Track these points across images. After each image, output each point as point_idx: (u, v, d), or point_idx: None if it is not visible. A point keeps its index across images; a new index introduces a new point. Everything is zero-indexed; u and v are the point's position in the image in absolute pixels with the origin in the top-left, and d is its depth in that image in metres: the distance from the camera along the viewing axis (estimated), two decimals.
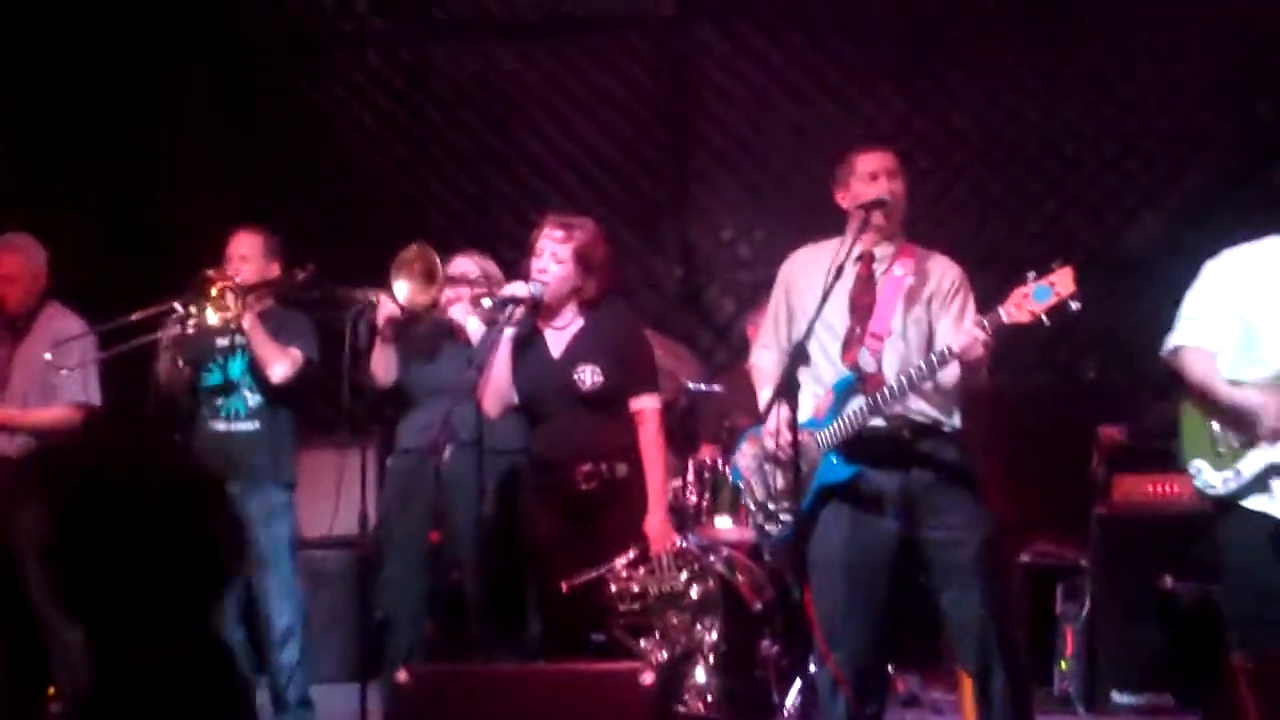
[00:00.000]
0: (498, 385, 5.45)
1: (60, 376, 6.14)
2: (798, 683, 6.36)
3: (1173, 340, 4.90)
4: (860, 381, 4.81)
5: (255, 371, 6.08)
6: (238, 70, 8.76)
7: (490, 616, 5.88)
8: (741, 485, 5.27)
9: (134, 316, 5.97)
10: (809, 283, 4.95)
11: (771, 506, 5.08)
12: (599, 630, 5.73)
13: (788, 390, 4.58)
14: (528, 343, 5.52)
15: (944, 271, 4.96)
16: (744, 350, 7.68)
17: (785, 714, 6.31)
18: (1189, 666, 6.21)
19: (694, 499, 6.61)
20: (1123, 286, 7.24)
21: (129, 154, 8.09)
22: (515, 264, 6.01)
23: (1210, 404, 4.80)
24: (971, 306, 4.87)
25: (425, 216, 8.54)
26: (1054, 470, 5.53)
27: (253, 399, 6.13)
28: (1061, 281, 4.46)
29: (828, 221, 5.14)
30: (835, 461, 4.84)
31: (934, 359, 4.67)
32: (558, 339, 5.53)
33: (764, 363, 5.16)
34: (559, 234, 5.46)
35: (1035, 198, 7.98)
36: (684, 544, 6.02)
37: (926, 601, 5.01)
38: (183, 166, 8.58)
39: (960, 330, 4.68)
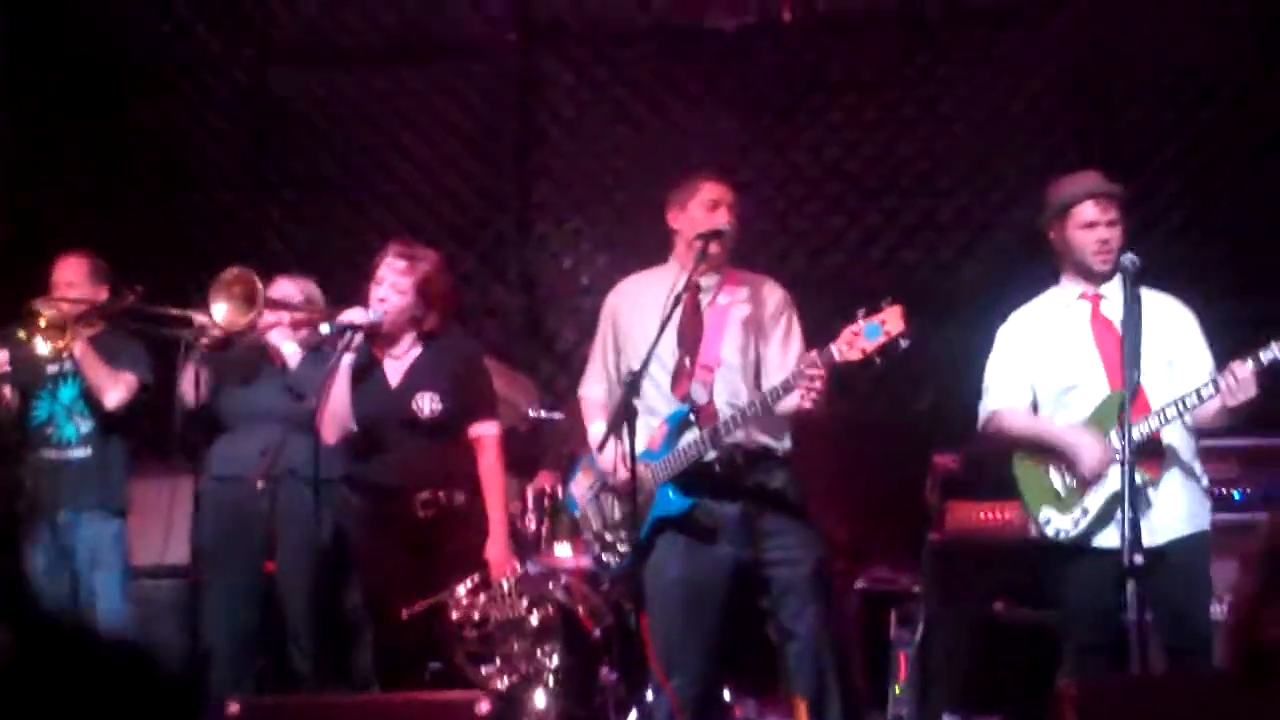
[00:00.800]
0: (336, 412, 5.40)
1: None
2: (634, 711, 6.37)
3: (985, 410, 5.07)
4: (694, 414, 4.88)
5: (87, 398, 5.96)
6: (81, 86, 8.58)
7: (322, 648, 5.81)
8: (578, 515, 5.31)
9: None
10: (636, 313, 5.04)
11: (609, 537, 5.16)
12: (436, 659, 5.67)
13: (623, 422, 4.62)
14: (365, 371, 5.48)
15: (768, 295, 5.05)
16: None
17: None
18: (1018, 691, 6.30)
19: (533, 526, 6.60)
20: (958, 318, 7.35)
21: None
22: (354, 290, 5.97)
23: (1042, 449, 4.90)
24: (797, 328, 5.00)
25: (262, 240, 8.44)
26: (889, 498, 5.62)
27: (84, 425, 6.01)
28: (891, 320, 4.51)
29: (669, 250, 5.18)
30: (671, 495, 4.91)
31: (768, 395, 4.74)
32: (396, 367, 5.50)
33: (593, 394, 5.23)
34: (401, 264, 5.44)
35: (873, 230, 8.08)
36: (524, 570, 6.00)
37: (763, 627, 5.07)
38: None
39: (790, 360, 4.81)
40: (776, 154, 8.19)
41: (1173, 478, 4.80)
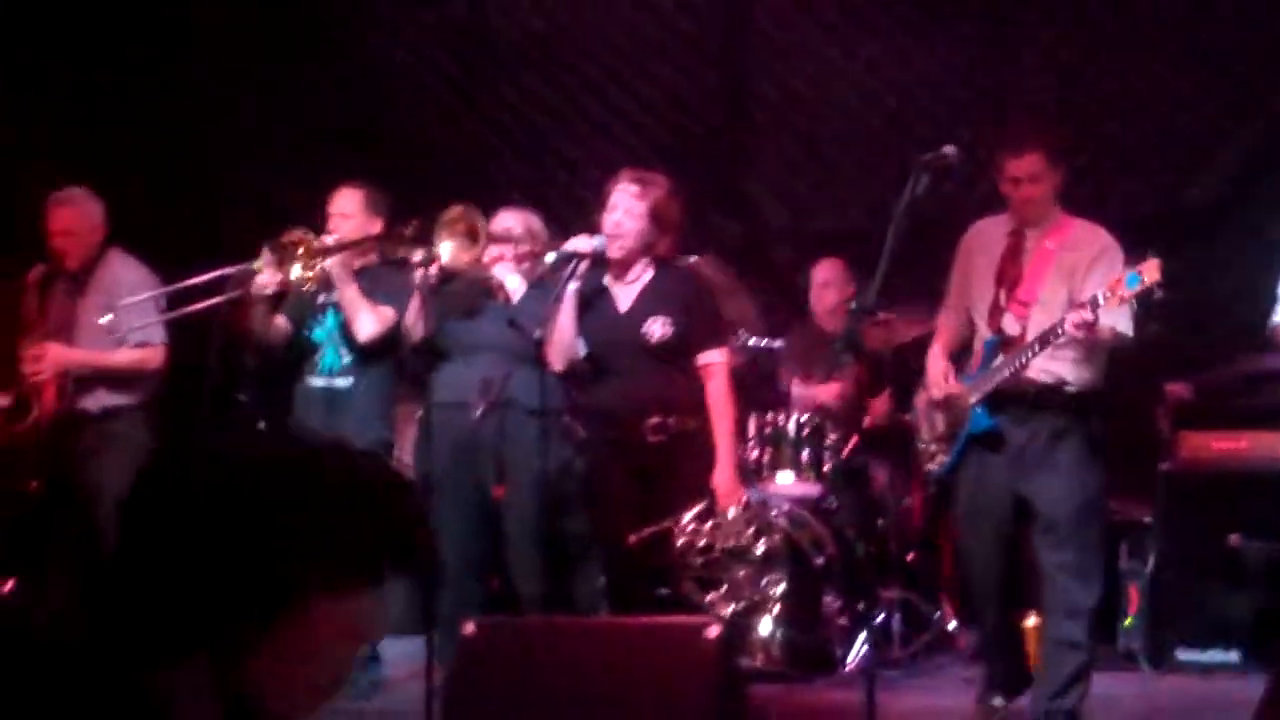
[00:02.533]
0: (563, 340, 5.45)
1: (124, 322, 6.16)
2: (861, 637, 6.36)
3: (1273, 321, 5.41)
4: (1003, 344, 5.19)
5: (346, 329, 6.07)
6: (296, 22, 8.74)
7: (547, 573, 5.89)
8: (916, 421, 5.66)
9: (209, 275, 5.95)
10: (981, 252, 5.35)
11: (933, 448, 5.47)
12: (664, 585, 5.71)
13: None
14: (595, 298, 5.51)
15: (1093, 240, 5.25)
16: (804, 304, 7.67)
17: (847, 668, 6.32)
18: (1255, 623, 6.18)
19: (755, 454, 6.59)
20: (1189, 245, 7.15)
21: (184, 105, 8.09)
22: (573, 220, 6.00)
23: None
24: (1116, 271, 5.05)
25: (481, 171, 8.51)
26: (1120, 428, 5.55)
27: (347, 355, 6.10)
28: (1149, 271, 4.83)
29: (886, 171, 5.19)
30: (980, 414, 5.21)
31: (1048, 334, 5.02)
32: (626, 293, 5.52)
33: (944, 321, 5.51)
34: (634, 189, 5.44)
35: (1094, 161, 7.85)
36: (750, 498, 6.02)
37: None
38: (237, 118, 8.57)
39: (1073, 307, 5.03)
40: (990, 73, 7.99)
41: None
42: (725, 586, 5.90)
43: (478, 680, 4.44)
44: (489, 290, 5.99)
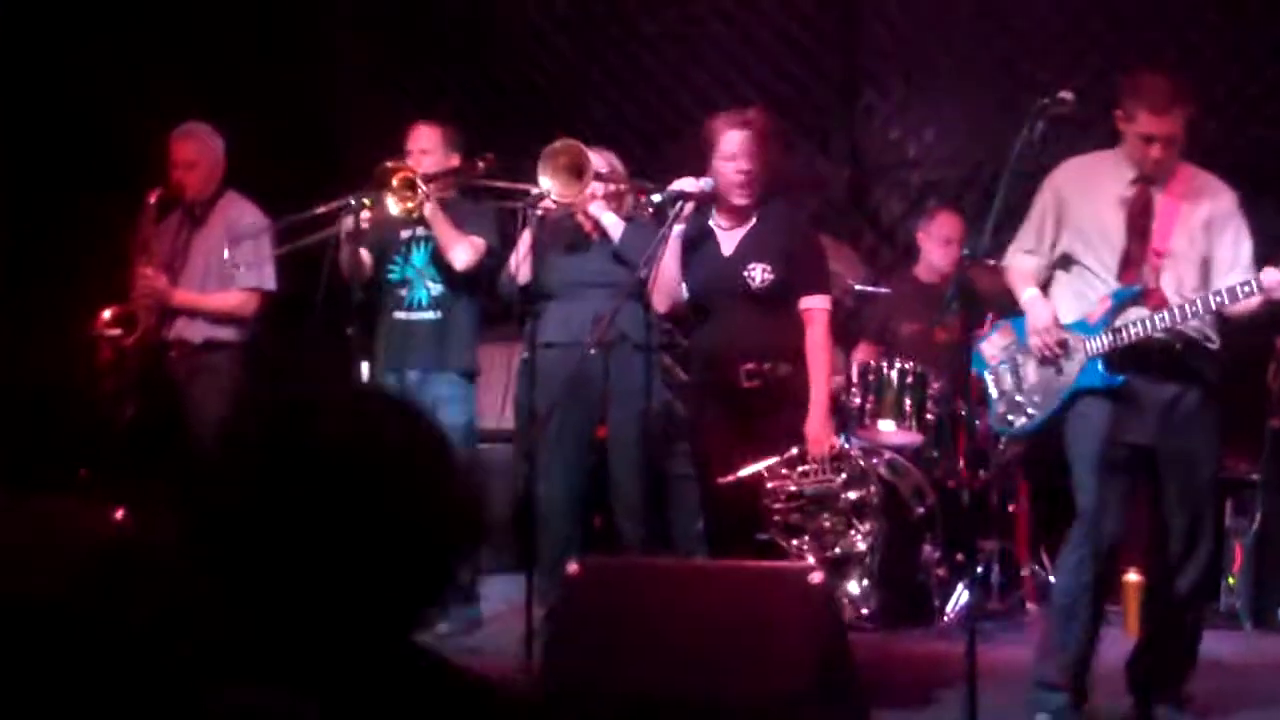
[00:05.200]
0: (666, 282, 5.45)
1: (237, 262, 6.25)
2: (960, 588, 6.34)
3: None
4: (1143, 295, 4.90)
5: (438, 261, 6.11)
6: None
7: (649, 513, 5.91)
8: (987, 374, 5.31)
9: (318, 210, 6.02)
10: (1081, 194, 5.03)
11: (1019, 399, 5.16)
12: (762, 530, 5.71)
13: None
14: (699, 240, 5.50)
15: (1220, 193, 5.00)
16: (909, 252, 7.61)
17: (946, 619, 6.30)
18: None
19: (856, 400, 6.56)
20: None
21: (296, 54, 8.14)
22: (676, 160, 5.97)
23: None
24: (1246, 230, 4.93)
25: (587, 112, 8.51)
26: (1228, 381, 5.43)
27: (435, 289, 6.16)
28: None
29: (1000, 121, 5.09)
30: (1101, 368, 4.92)
31: (1239, 289, 4.73)
32: (729, 237, 5.51)
33: (1023, 265, 5.17)
34: (748, 133, 5.42)
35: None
36: (844, 446, 5.99)
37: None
38: (348, 64, 8.61)
39: (1241, 261, 4.84)
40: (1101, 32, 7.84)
41: None
42: (809, 535, 5.86)
43: (580, 619, 4.46)
44: (581, 228, 5.99)
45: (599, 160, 5.90)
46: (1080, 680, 4.91)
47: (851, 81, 8.38)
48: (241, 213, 6.37)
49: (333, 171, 6.84)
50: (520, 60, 8.75)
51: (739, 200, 5.43)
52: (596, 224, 5.96)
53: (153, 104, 6.58)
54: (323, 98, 8.27)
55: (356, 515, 1.60)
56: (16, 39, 6.76)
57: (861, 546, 6.02)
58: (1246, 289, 4.70)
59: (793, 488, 5.72)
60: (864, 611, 6.05)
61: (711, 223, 5.54)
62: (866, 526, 6.02)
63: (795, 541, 5.87)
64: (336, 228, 5.94)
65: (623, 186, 5.95)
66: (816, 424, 5.44)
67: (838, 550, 5.97)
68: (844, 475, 5.91)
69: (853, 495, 6.00)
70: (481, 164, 6.04)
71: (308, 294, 5.88)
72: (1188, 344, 4.90)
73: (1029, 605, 6.62)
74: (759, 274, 5.38)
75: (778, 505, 5.72)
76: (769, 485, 5.66)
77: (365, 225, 5.92)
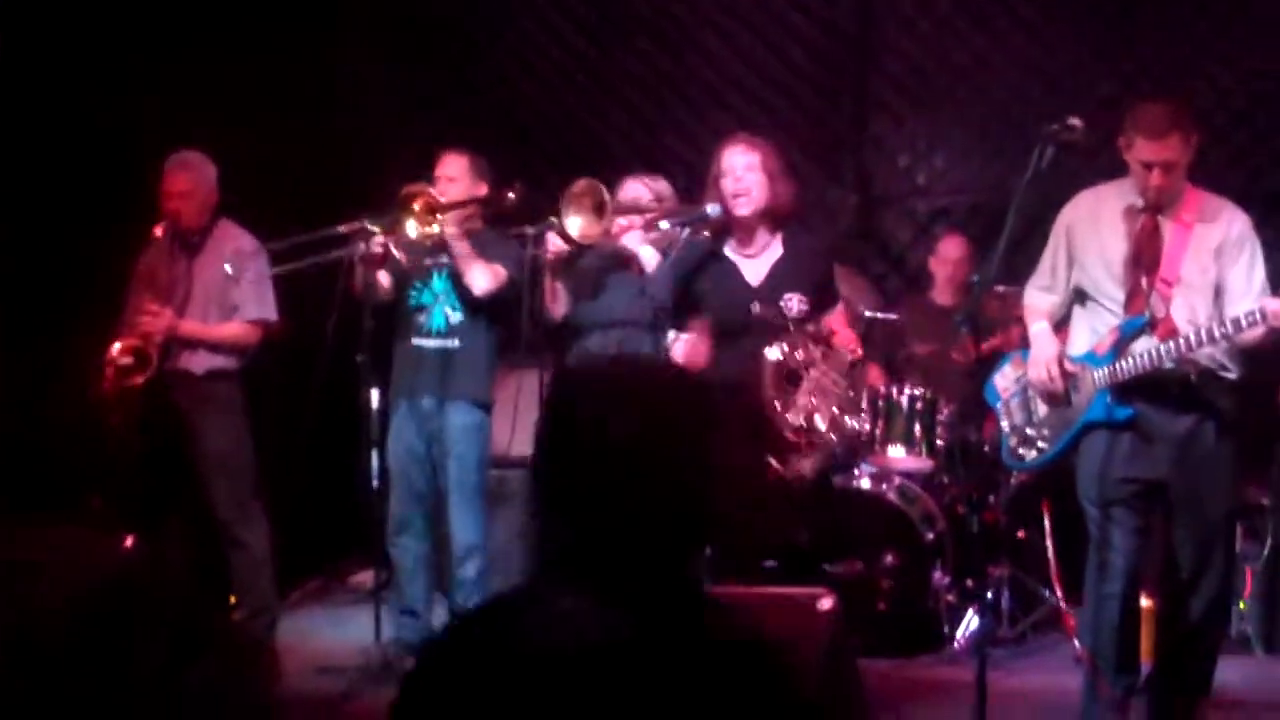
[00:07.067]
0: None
1: (239, 293, 6.26)
2: (970, 615, 6.34)
3: None
4: (1150, 326, 4.87)
5: (459, 289, 6.13)
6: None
7: None
8: (999, 407, 5.33)
9: (339, 229, 6.04)
10: (1090, 227, 5.04)
11: (1030, 432, 5.19)
12: (770, 557, 5.69)
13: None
14: (718, 268, 5.50)
15: (1231, 218, 4.97)
16: (920, 279, 7.63)
17: (956, 645, 6.29)
18: None
19: (866, 427, 6.56)
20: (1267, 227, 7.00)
21: (302, 75, 8.17)
22: (689, 189, 5.98)
23: None
24: (1260, 256, 4.91)
25: (601, 141, 8.55)
26: (1240, 407, 5.42)
27: (454, 316, 6.18)
28: None
29: (1008, 149, 5.08)
30: (1109, 401, 4.91)
31: (1243, 319, 4.70)
32: (753, 266, 5.49)
33: (1037, 301, 5.21)
34: (743, 147, 5.45)
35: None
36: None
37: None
38: (358, 89, 8.64)
39: (1255, 288, 4.80)
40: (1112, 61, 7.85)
41: None
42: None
43: None
44: (623, 262, 5.99)
45: (639, 188, 5.93)
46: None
47: (861, 110, 8.40)
48: (239, 239, 6.36)
49: (334, 195, 6.84)
50: (532, 90, 8.78)
51: (741, 211, 5.43)
52: (635, 258, 5.94)
53: (155, 133, 6.58)
54: (338, 127, 8.29)
55: (653, 475, 2.11)
56: (13, 69, 6.76)
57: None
58: (1251, 318, 4.68)
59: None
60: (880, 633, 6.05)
61: (730, 250, 5.54)
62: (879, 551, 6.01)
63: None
64: (349, 250, 5.97)
65: (657, 212, 5.91)
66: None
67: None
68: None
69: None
70: (511, 195, 6.04)
71: (317, 321, 5.91)
72: (1202, 374, 4.87)
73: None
74: (795, 304, 5.36)
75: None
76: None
77: (397, 252, 5.95)
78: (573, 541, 2.12)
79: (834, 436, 5.26)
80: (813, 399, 5.21)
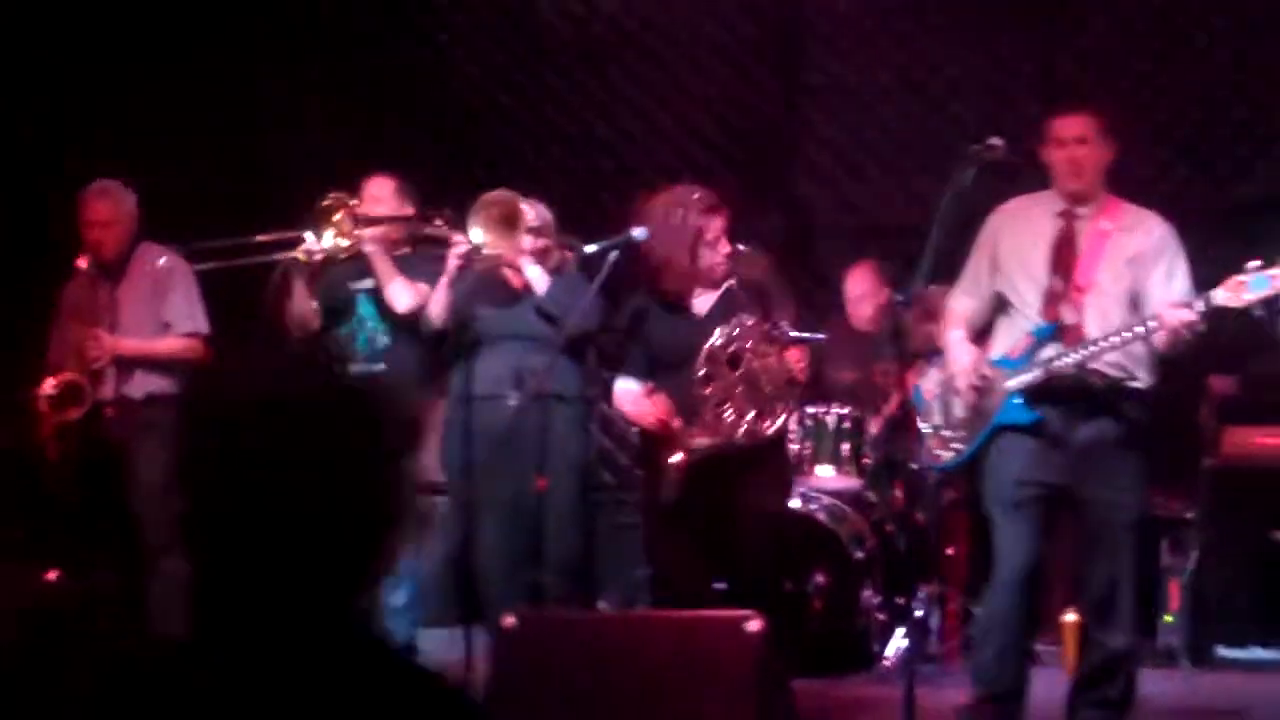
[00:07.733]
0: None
1: (168, 309, 6.23)
2: (899, 633, 6.36)
3: None
4: (1060, 332, 4.89)
5: (385, 314, 6.10)
6: (346, 7, 8.76)
7: (582, 567, 5.87)
8: (921, 408, 5.34)
9: (260, 238, 6.02)
10: (1011, 234, 5.07)
11: (946, 433, 5.19)
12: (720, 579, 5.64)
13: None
14: (646, 315, 5.38)
15: (1151, 228, 5.00)
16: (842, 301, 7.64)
17: (885, 664, 6.31)
18: None
19: (795, 447, 6.57)
20: (1233, 237, 7.10)
21: (225, 98, 8.12)
22: (620, 213, 5.98)
23: None
24: (1183, 265, 4.93)
25: (528, 166, 8.52)
26: (1162, 421, 5.47)
27: (380, 340, 6.16)
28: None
29: (934, 168, 5.12)
30: (1018, 403, 4.92)
31: (1143, 327, 4.74)
32: (698, 302, 5.37)
33: (958, 306, 5.21)
34: (721, 222, 5.32)
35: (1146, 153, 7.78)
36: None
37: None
38: (284, 106, 8.59)
39: (1174, 297, 4.76)
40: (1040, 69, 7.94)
41: None
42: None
43: (518, 673, 4.45)
44: (505, 279, 5.93)
45: (530, 212, 5.89)
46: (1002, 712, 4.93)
47: (787, 127, 8.43)
48: (162, 257, 6.30)
49: (270, 225, 6.81)
50: (461, 112, 8.76)
51: (716, 277, 5.32)
52: (521, 276, 5.89)
53: (76, 164, 6.53)
54: (261, 151, 8.24)
55: (295, 498, 1.77)
56: None
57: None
58: (1148, 326, 4.72)
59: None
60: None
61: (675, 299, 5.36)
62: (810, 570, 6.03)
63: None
64: (275, 276, 5.94)
65: (549, 241, 5.88)
66: None
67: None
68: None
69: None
70: (440, 220, 6.00)
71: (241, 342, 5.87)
72: (1109, 382, 4.88)
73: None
74: (749, 321, 5.29)
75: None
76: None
77: (316, 258, 5.92)
78: (216, 588, 1.83)
79: (737, 432, 5.20)
80: (738, 388, 5.19)
